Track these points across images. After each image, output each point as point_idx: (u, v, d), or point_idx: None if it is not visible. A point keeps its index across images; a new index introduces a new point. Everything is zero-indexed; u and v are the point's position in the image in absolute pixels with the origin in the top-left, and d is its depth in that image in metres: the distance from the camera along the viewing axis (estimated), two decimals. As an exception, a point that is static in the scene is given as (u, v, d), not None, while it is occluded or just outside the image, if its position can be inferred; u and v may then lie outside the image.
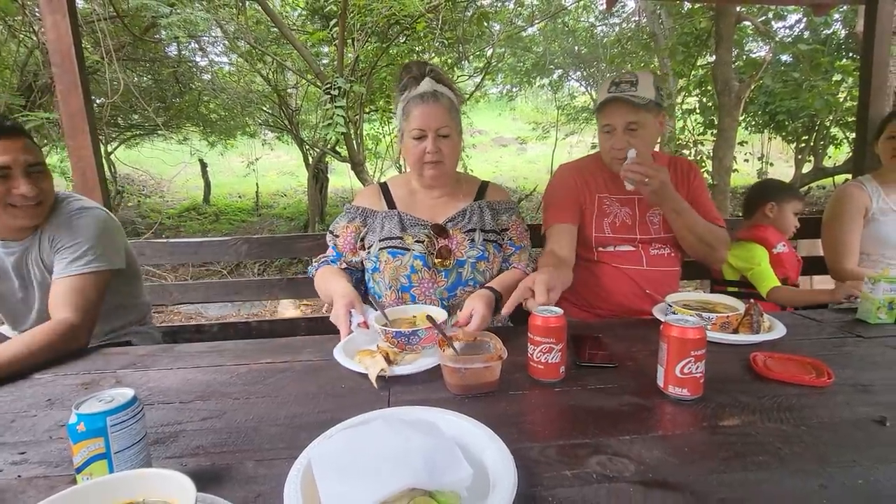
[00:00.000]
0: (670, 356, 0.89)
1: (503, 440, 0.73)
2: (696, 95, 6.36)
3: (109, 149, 7.61)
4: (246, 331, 2.18)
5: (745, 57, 5.91)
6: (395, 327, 1.10)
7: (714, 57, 4.70)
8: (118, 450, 0.64)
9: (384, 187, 1.51)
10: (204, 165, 9.53)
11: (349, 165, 5.66)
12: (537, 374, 0.98)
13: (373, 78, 5.43)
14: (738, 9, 4.57)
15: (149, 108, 5.68)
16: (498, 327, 1.40)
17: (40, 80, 4.95)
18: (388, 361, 1.01)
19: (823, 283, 2.30)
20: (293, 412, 0.89)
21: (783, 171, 9.70)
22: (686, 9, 5.67)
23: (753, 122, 7.61)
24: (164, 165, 9.08)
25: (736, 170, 5.61)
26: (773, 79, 5.88)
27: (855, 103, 2.73)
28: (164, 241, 2.19)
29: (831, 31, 6.51)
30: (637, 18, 8.34)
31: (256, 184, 9.50)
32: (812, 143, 7.57)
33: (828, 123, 6.82)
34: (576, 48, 9.66)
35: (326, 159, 7.31)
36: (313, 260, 1.50)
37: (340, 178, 9.83)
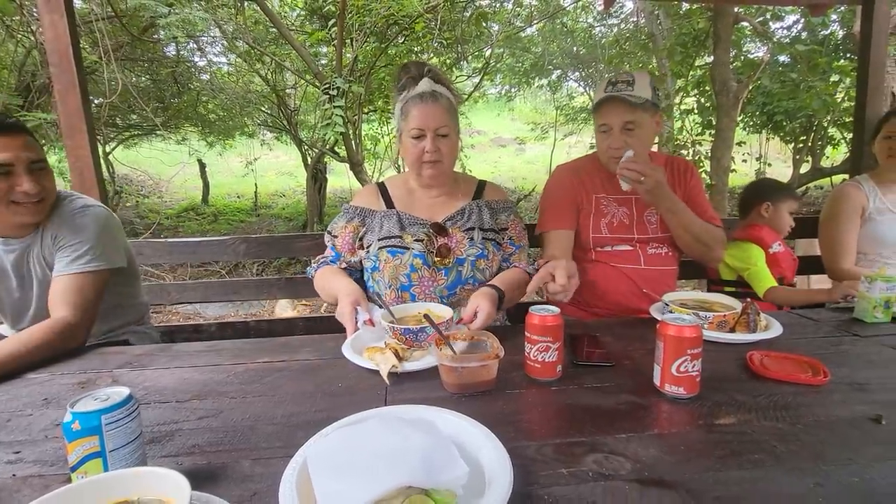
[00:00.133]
0: (666, 355, 0.89)
1: (500, 439, 0.73)
2: (695, 96, 6.36)
3: (108, 149, 7.59)
4: (244, 330, 2.18)
5: (742, 57, 5.91)
6: (402, 325, 1.11)
7: (712, 57, 4.71)
8: (113, 448, 0.64)
9: (382, 187, 1.52)
10: (202, 166, 9.52)
11: (348, 165, 5.65)
12: (534, 373, 0.98)
13: (371, 78, 5.43)
14: (735, 9, 4.58)
15: (147, 109, 5.68)
16: (495, 326, 1.40)
17: (38, 81, 4.95)
18: (398, 358, 1.02)
19: (821, 282, 2.31)
20: (290, 411, 0.89)
21: (781, 171, 9.72)
22: (684, 9, 5.68)
23: (751, 123, 7.61)
24: (162, 166, 9.08)
25: (734, 170, 5.62)
26: (771, 79, 5.88)
27: (852, 104, 2.74)
28: (163, 240, 2.19)
29: (829, 31, 6.52)
30: (635, 19, 8.35)
31: (255, 184, 9.49)
32: (810, 144, 7.58)
33: (825, 124, 6.82)
34: (574, 49, 9.67)
35: (325, 159, 7.30)
36: (311, 261, 1.50)
37: (339, 178, 9.83)
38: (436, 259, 1.35)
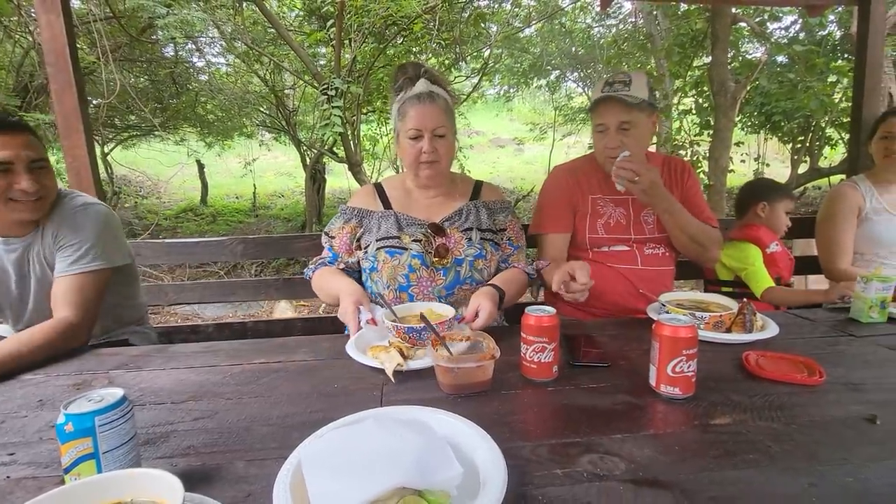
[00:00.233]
0: (662, 355, 0.89)
1: (495, 439, 0.73)
2: (693, 96, 6.36)
3: (106, 150, 7.59)
4: (242, 331, 2.18)
5: (740, 58, 5.91)
6: (404, 324, 1.11)
7: (710, 58, 4.71)
8: (107, 450, 0.64)
9: (379, 188, 1.52)
10: (201, 166, 9.51)
11: (346, 166, 5.65)
12: (530, 374, 0.98)
13: (370, 79, 5.43)
14: (733, 10, 4.58)
15: (145, 109, 5.67)
16: (492, 326, 1.40)
17: (36, 81, 4.95)
18: (403, 356, 1.03)
19: (819, 282, 2.31)
20: (285, 412, 0.89)
21: (779, 171, 9.73)
22: (682, 10, 5.69)
23: (749, 123, 7.62)
24: (160, 166, 9.07)
25: (732, 170, 5.61)
26: (769, 80, 5.89)
27: (850, 104, 2.74)
28: (161, 241, 2.19)
29: (826, 32, 6.53)
30: (634, 20, 8.36)
31: (254, 185, 9.49)
32: (808, 144, 7.59)
33: (823, 124, 6.84)
34: (573, 49, 9.69)
35: (324, 160, 7.30)
36: (309, 262, 1.50)
37: (338, 178, 9.83)
38: (434, 259, 1.35)
